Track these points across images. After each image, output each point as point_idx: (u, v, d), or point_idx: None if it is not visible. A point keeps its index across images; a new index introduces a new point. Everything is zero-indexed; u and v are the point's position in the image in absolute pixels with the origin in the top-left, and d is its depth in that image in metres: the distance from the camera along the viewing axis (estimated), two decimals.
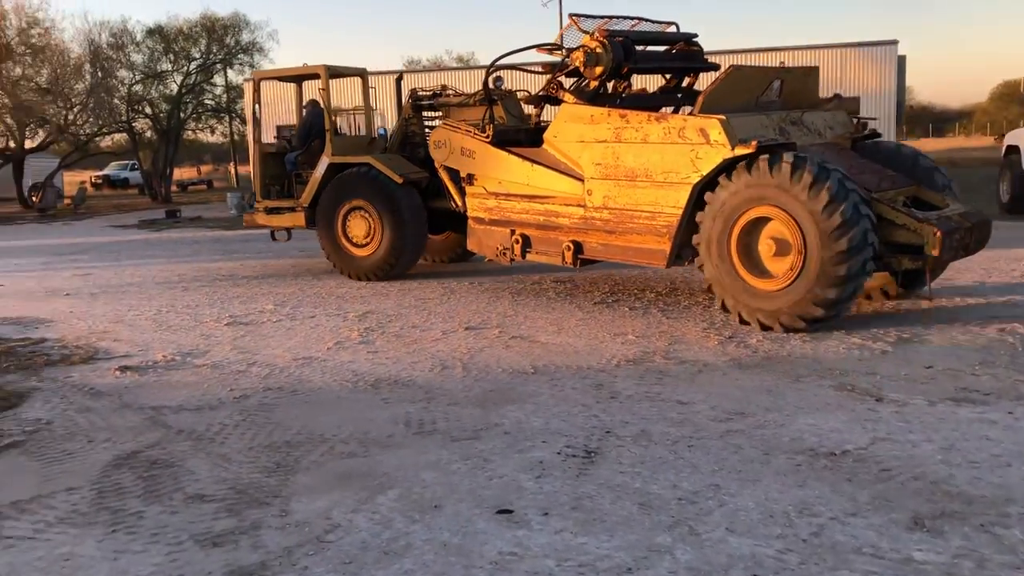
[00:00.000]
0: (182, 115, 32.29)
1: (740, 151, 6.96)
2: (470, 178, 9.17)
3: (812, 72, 8.61)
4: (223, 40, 31.97)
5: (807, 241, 6.65)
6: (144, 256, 11.56)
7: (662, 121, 7.54)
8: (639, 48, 8.51)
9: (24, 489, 4.27)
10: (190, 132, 35.63)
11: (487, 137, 8.87)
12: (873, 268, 6.76)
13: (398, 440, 4.81)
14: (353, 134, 13.73)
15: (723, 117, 7.12)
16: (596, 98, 8.37)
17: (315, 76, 11.12)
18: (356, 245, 10.56)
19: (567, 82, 8.63)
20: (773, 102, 7.98)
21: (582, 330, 7.38)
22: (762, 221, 7.00)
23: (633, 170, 7.70)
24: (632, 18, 8.98)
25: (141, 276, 11.60)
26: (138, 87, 30.93)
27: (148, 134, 33.11)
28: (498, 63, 9.01)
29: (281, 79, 12.74)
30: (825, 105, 8.49)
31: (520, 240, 8.77)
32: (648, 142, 7.56)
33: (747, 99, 7.73)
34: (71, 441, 4.98)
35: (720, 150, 7.08)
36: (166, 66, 31.26)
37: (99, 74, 28.28)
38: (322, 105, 10.87)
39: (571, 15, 8.63)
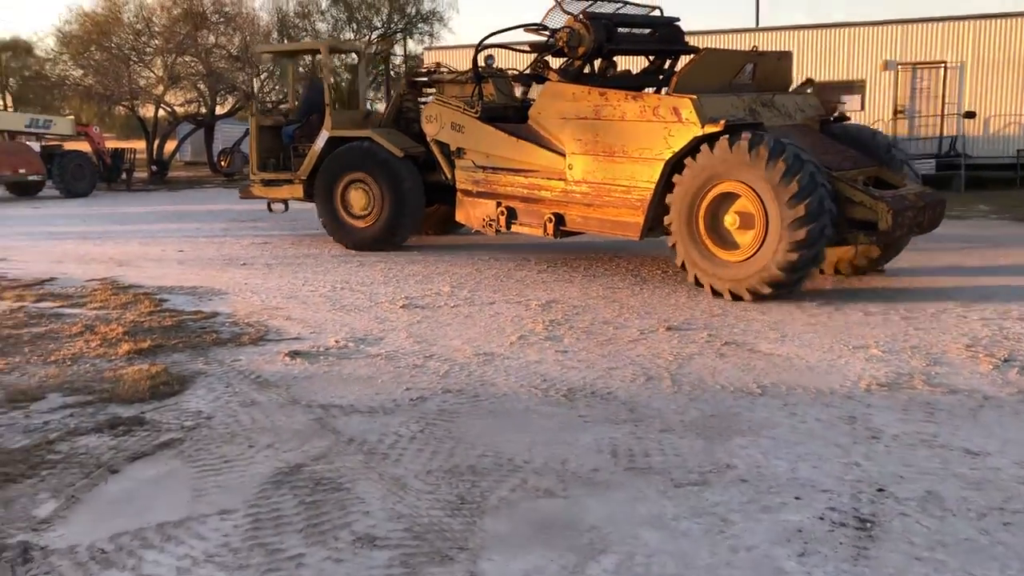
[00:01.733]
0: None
1: (709, 129, 7.38)
2: (459, 152, 9.55)
3: (785, 56, 9.04)
4: (404, 9, 31.99)
5: (768, 212, 7.07)
6: (320, 226, 11.35)
7: (638, 100, 7.97)
8: (621, 30, 8.93)
9: (174, 506, 3.66)
10: (368, 101, 36.16)
11: (476, 113, 9.27)
12: (832, 233, 7.07)
13: (605, 477, 3.89)
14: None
15: (694, 97, 7.53)
16: (580, 77, 8.80)
17: (315, 51, 11.39)
18: (355, 216, 10.75)
19: (554, 62, 9.07)
20: (747, 84, 8.39)
21: (811, 338, 6.20)
22: (728, 196, 7.38)
23: (611, 146, 8.11)
24: (617, 1, 9.29)
25: (318, 247, 11.26)
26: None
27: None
28: (486, 42, 9.40)
29: (281, 54, 13.01)
30: (799, 89, 9.00)
31: (505, 212, 9.17)
32: (625, 120, 7.99)
33: (720, 81, 8.15)
34: (231, 444, 4.38)
35: (691, 128, 7.51)
36: (349, 35, 31.61)
37: (285, 42, 28.87)
38: (322, 80, 11.11)
39: None
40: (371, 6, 31.04)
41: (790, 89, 8.99)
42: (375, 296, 8.04)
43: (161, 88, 27.89)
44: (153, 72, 28.70)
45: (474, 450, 4.23)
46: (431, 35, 32.86)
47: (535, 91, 9.50)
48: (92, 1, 29.14)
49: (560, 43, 8.68)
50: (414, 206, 10.52)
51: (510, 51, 10.04)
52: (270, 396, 5.14)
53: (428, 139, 9.94)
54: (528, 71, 9.51)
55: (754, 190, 7.17)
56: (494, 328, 6.71)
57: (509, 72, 10.14)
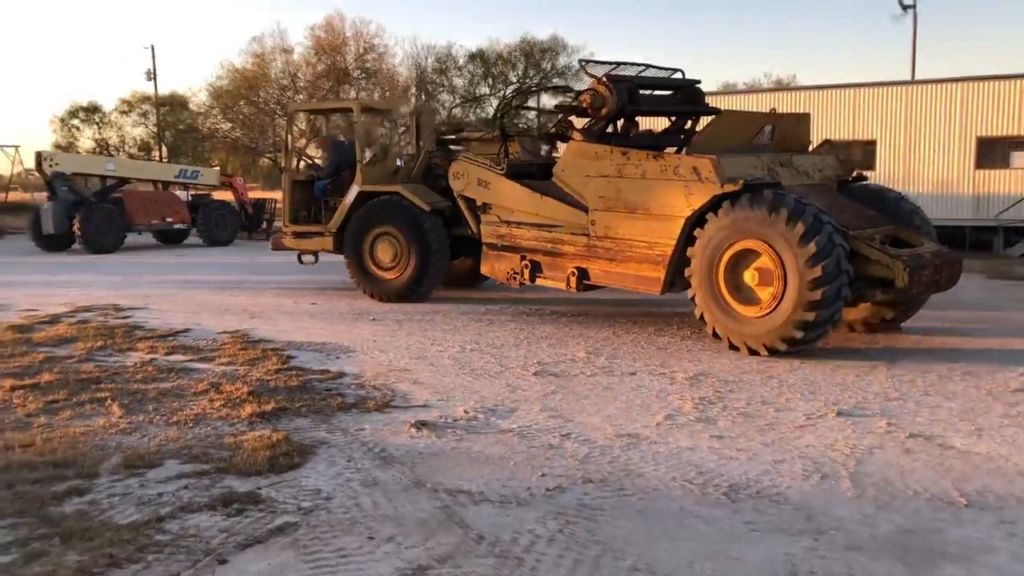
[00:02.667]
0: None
1: (728, 188, 7.56)
2: (485, 207, 9.86)
3: (803, 118, 9.35)
4: (540, 64, 32.17)
5: (787, 270, 7.22)
6: (448, 283, 11.23)
7: (659, 159, 8.21)
8: (643, 92, 9.27)
9: None
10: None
11: (502, 170, 9.60)
12: (848, 294, 7.20)
13: None
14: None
15: (714, 157, 7.74)
16: (602, 137, 9.01)
17: (348, 110, 12.05)
18: (383, 268, 11.07)
19: (577, 122, 9.40)
20: (765, 145, 8.64)
21: (1014, 434, 5.28)
22: (747, 253, 7.54)
23: (633, 203, 8.37)
24: (640, 64, 9.55)
25: (448, 304, 10.94)
26: (457, 110, 31.98)
27: None
28: (512, 103, 10.44)
29: (316, 112, 13.87)
30: (817, 150, 9.17)
31: (529, 265, 9.42)
32: (646, 178, 8.22)
33: (740, 141, 8.39)
34: (349, 534, 3.92)
35: (710, 187, 7.70)
36: (484, 89, 32.05)
37: (423, 97, 29.43)
38: (351, 140, 11.54)
39: (580, 60, 9.56)
40: (507, 61, 31.37)
41: (808, 150, 9.19)
42: (506, 360, 7.56)
43: (303, 141, 28.85)
44: (296, 125, 29.77)
45: (623, 560, 3.62)
46: (567, 89, 32.77)
47: (558, 150, 9.96)
48: (243, 58, 30.56)
49: (584, 104, 9.00)
50: (440, 259, 10.83)
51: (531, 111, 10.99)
52: (393, 475, 4.68)
53: (455, 194, 10.24)
54: (552, 130, 9.86)
55: (773, 248, 7.33)
56: (637, 404, 6.09)
57: (533, 132, 10.42)
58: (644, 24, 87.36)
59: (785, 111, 13.95)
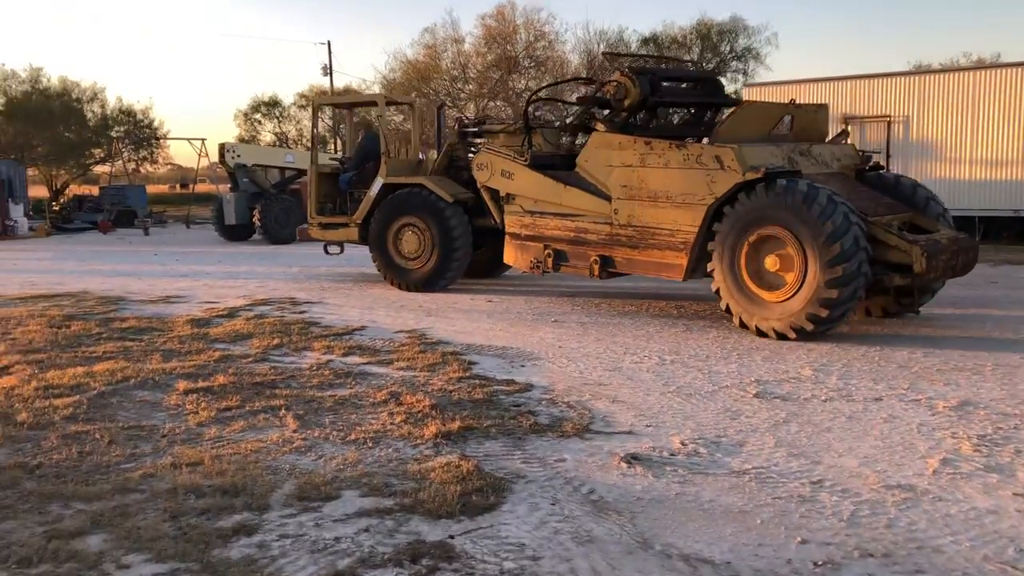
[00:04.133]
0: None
1: (751, 176, 7.80)
2: (509, 197, 10.02)
3: (821, 109, 9.45)
4: (717, 47, 30.43)
5: (807, 252, 7.46)
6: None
7: (682, 148, 8.41)
8: (665, 84, 9.52)
9: None
10: None
11: (525, 160, 9.75)
12: (868, 271, 7.37)
13: None
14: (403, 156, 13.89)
15: (736, 146, 7.97)
16: (625, 128, 9.22)
17: (372, 103, 12.79)
18: (407, 258, 11.22)
19: (599, 113, 9.58)
20: (784, 135, 8.89)
21: None
22: (768, 239, 7.73)
23: (655, 191, 8.57)
24: (661, 57, 9.71)
25: (635, 306, 9.97)
26: None
27: None
28: (538, 94, 10.45)
29: (340, 106, 14.14)
30: (835, 139, 9.46)
31: (552, 254, 9.55)
32: (669, 167, 8.43)
33: (760, 131, 8.63)
34: None
35: (733, 175, 7.92)
36: None
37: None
38: (377, 131, 11.81)
39: (604, 53, 9.86)
40: (682, 45, 29.85)
41: (826, 140, 9.31)
42: (715, 376, 6.53)
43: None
44: (465, 116, 29.55)
45: None
46: (744, 72, 31.00)
47: (580, 141, 10.24)
48: (414, 49, 30.62)
49: (608, 95, 9.26)
50: (463, 249, 10.98)
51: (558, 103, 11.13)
52: (611, 529, 3.79)
53: (479, 185, 10.42)
54: (575, 121, 10.14)
55: (793, 232, 7.55)
56: (897, 441, 4.93)
57: (555, 123, 10.60)
58: (830, 3, 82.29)
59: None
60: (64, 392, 6.11)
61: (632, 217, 8.80)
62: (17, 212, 24.84)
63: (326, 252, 12.89)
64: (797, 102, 9.29)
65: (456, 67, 29.08)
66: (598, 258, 9.11)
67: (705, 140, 9.16)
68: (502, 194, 10.13)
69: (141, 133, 37.79)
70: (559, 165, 9.75)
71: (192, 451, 4.80)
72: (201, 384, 6.32)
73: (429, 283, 11.07)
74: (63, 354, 7.44)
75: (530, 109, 10.39)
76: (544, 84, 11.05)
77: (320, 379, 6.52)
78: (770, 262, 7.78)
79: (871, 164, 9.11)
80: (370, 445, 4.95)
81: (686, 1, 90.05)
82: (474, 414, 5.53)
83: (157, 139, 38.17)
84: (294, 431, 5.21)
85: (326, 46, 52.74)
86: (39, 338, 8.14)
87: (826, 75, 18.06)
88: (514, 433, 5.18)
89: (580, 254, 9.31)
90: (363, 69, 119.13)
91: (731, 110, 9.42)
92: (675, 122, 10.92)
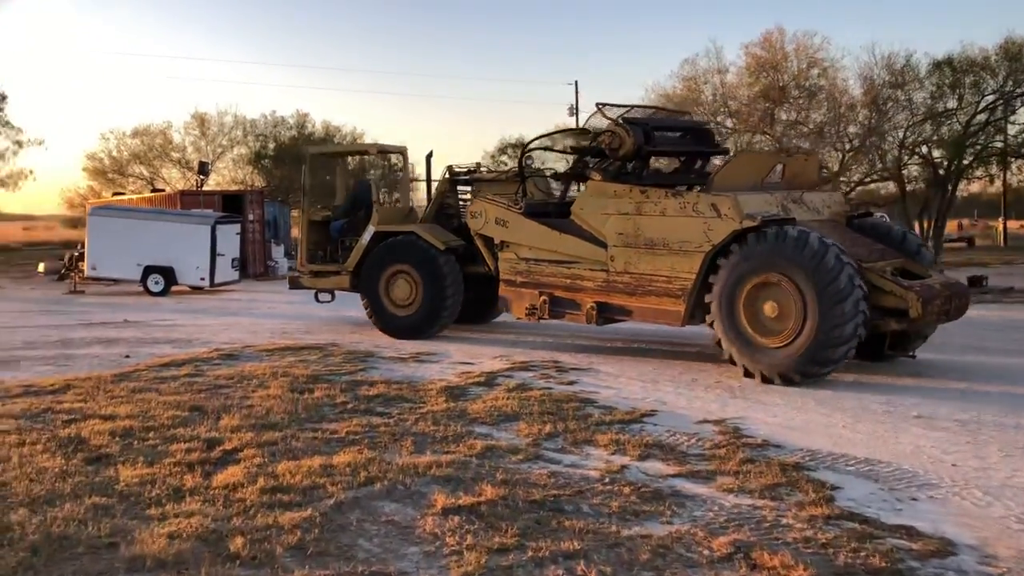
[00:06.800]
0: (963, 161, 27.09)
1: (748, 224, 8.06)
2: (503, 245, 10.26)
3: (812, 156, 10.93)
4: None
5: (807, 305, 7.66)
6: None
7: (678, 197, 8.78)
8: (657, 133, 9.79)
9: None
10: (969, 181, 30.08)
11: (520, 209, 10.08)
12: (864, 332, 7.70)
13: None
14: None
15: (732, 194, 8.29)
16: (619, 176, 9.52)
17: (365, 152, 13.68)
18: (398, 306, 11.26)
19: (593, 162, 9.92)
20: (776, 183, 9.27)
21: None
22: (767, 285, 7.99)
23: (652, 239, 8.80)
24: (652, 107, 11.44)
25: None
26: (913, 129, 26.98)
27: (917, 183, 28.85)
28: (532, 145, 10.87)
29: (334, 155, 13.98)
30: (823, 186, 10.90)
31: (548, 300, 9.75)
32: (666, 215, 8.69)
33: (753, 180, 8.98)
34: None
35: (730, 223, 8.19)
36: (951, 103, 26.56)
37: (874, 116, 25.13)
38: (369, 180, 12.47)
39: (597, 104, 9.96)
40: (983, 67, 25.69)
41: (816, 187, 9.83)
42: None
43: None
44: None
45: None
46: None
47: (573, 190, 10.60)
48: (671, 81, 28.69)
49: (603, 145, 9.41)
50: (454, 296, 11.04)
51: (550, 152, 11.17)
52: None
53: (473, 233, 10.64)
54: (570, 170, 10.35)
55: (795, 283, 7.74)
56: None
57: (548, 172, 11.07)
58: None
59: None
60: (294, 500, 4.73)
61: (629, 264, 8.99)
62: (278, 253, 25.58)
63: (317, 300, 12.90)
64: (788, 150, 9.75)
65: (717, 100, 26.82)
66: (594, 304, 9.29)
67: (698, 188, 9.46)
68: (496, 241, 10.32)
69: (395, 176, 38.80)
70: (553, 213, 9.98)
71: None
72: (464, 499, 4.71)
73: (421, 329, 11.12)
74: (301, 433, 6.20)
75: (523, 159, 10.68)
76: (537, 135, 11.05)
77: (620, 501, 4.73)
78: (768, 308, 7.96)
79: (860, 212, 9.68)
80: None
81: (986, 18, 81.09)
82: None
83: (412, 180, 39.04)
84: None
85: (573, 86, 52.34)
86: (277, 407, 6.99)
87: None
88: None
89: (576, 301, 9.50)
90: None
91: (723, 159, 9.87)
92: (665, 171, 11.28)
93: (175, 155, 42.02)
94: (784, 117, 26.74)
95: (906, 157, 27.21)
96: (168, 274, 19.14)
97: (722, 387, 7.93)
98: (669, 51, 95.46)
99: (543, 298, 9.70)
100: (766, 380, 7.87)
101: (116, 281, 20.16)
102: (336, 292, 12.60)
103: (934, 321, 8.16)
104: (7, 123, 36.81)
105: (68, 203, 44.51)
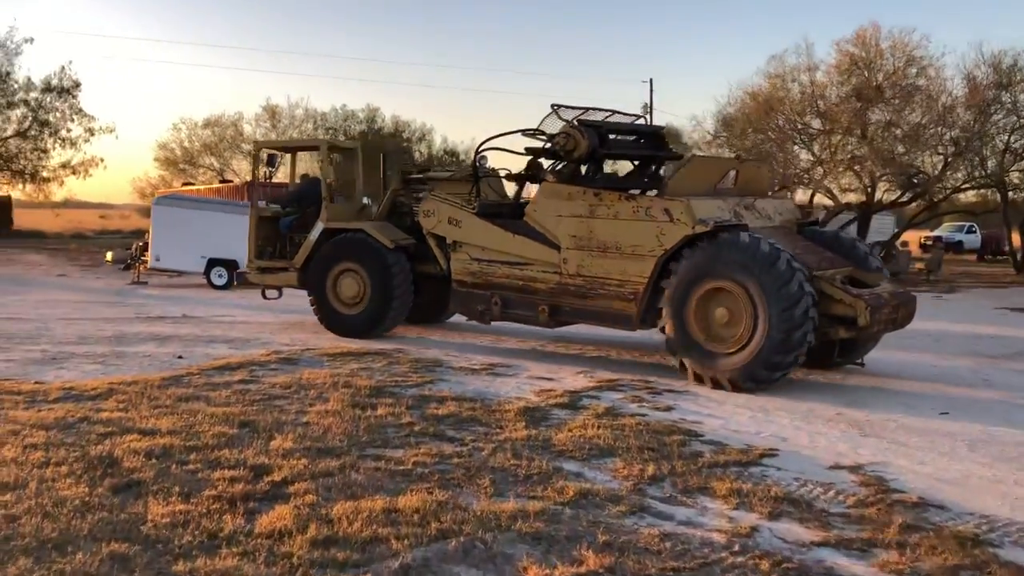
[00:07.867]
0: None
1: (700, 229, 8.09)
2: (456, 245, 10.11)
3: (764, 163, 11.15)
4: None
5: (757, 311, 7.71)
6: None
7: (631, 200, 8.74)
8: (612, 137, 9.82)
9: None
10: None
11: (473, 209, 9.92)
12: (813, 340, 7.71)
13: None
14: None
15: (685, 199, 8.30)
16: (573, 178, 9.45)
17: (314, 148, 13.05)
18: (345, 304, 10.97)
19: (547, 163, 9.85)
20: (729, 189, 9.30)
21: None
22: (717, 291, 8.00)
23: (604, 242, 8.77)
24: (607, 110, 10.22)
25: None
26: (1018, 134, 25.12)
27: (1020, 191, 26.94)
28: (486, 145, 10.32)
29: (283, 149, 13.09)
30: (775, 194, 11.31)
31: (499, 302, 9.67)
32: (619, 218, 8.67)
33: (706, 185, 9.01)
34: None
35: (682, 228, 8.23)
36: None
37: (978, 118, 23.39)
38: (319, 178, 11.90)
39: (553, 105, 9.72)
40: None
41: (768, 194, 10.06)
42: None
43: (821, 171, 24.70)
44: (812, 153, 25.74)
45: None
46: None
47: (527, 191, 10.40)
48: (756, 79, 27.25)
49: (558, 147, 9.30)
50: (403, 296, 10.77)
51: (502, 152, 10.40)
52: None
53: (425, 232, 10.44)
54: (523, 172, 10.08)
55: (745, 290, 7.77)
56: None
57: (502, 172, 10.71)
58: None
59: None
60: (350, 559, 3.89)
61: (581, 267, 8.96)
62: None
63: (264, 297, 12.78)
64: (742, 156, 9.83)
65: (806, 98, 25.31)
66: (546, 307, 9.25)
67: (652, 192, 9.55)
68: (449, 241, 10.19)
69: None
70: (507, 214, 9.84)
71: None
72: (560, 570, 3.73)
73: (367, 329, 10.84)
74: (361, 462, 5.31)
75: (477, 159, 10.53)
76: (493, 135, 10.28)
77: None
78: (719, 314, 7.99)
79: (809, 220, 9.81)
80: None
81: None
82: None
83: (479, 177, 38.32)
84: None
85: (648, 83, 50.95)
86: (336, 427, 6.16)
87: None
88: None
89: (528, 302, 9.45)
90: (694, 103, 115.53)
91: (677, 163, 9.96)
92: (618, 174, 11.21)
93: (246, 147, 41.89)
94: (875, 118, 25.11)
95: (1009, 163, 25.37)
96: (232, 267, 18.64)
97: (846, 421, 6.81)
98: (755, 51, 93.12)
99: (495, 299, 9.67)
100: (717, 385, 7.89)
101: (180, 273, 19.78)
102: (284, 289, 12.52)
103: (882, 330, 8.29)
104: (80, 111, 36.95)
105: (139, 192, 44.93)
